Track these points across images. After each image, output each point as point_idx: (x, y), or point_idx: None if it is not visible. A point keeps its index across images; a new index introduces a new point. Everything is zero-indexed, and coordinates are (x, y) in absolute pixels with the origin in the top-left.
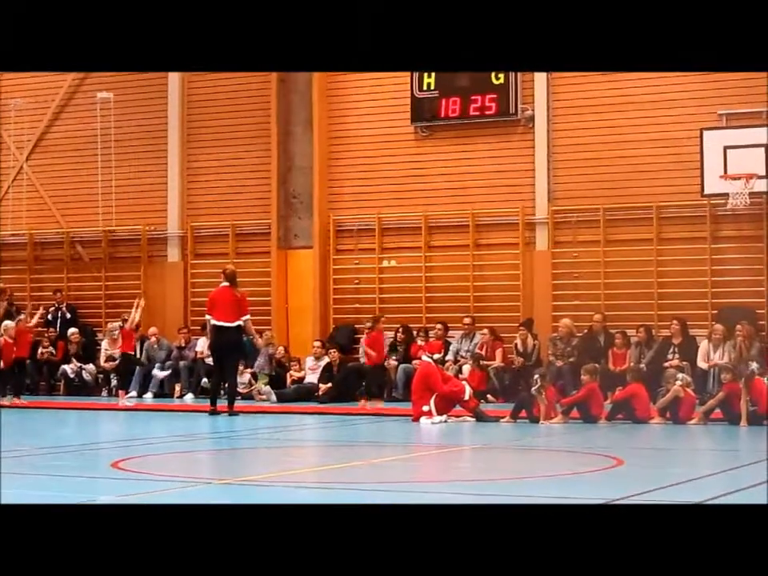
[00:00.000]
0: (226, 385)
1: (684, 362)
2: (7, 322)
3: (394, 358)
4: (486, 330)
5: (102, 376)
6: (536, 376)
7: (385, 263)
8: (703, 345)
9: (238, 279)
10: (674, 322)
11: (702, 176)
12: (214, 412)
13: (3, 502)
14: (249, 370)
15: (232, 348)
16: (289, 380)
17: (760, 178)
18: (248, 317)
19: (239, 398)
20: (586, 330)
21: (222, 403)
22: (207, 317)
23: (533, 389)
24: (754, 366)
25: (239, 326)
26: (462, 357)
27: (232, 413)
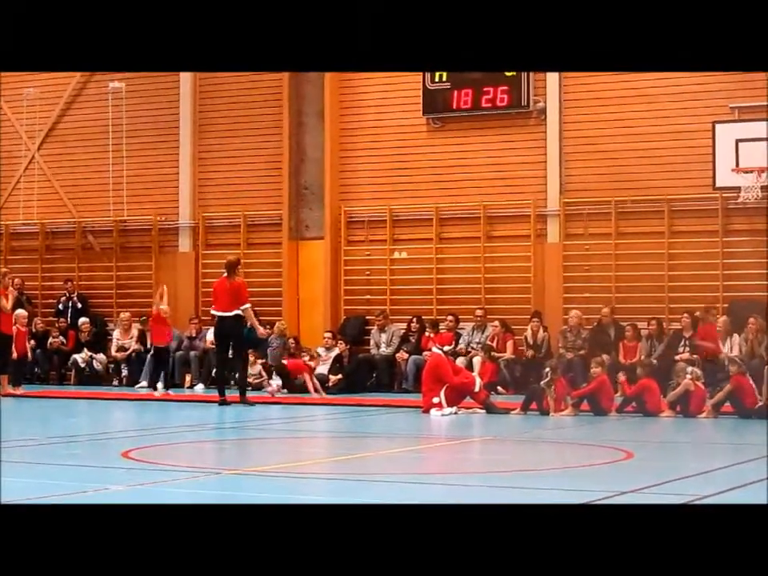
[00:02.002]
0: (236, 375)
1: (694, 356)
2: (20, 311)
3: (404, 349)
4: (497, 322)
5: (112, 366)
6: (546, 369)
7: (396, 255)
8: None
9: (239, 268)
10: (685, 315)
11: (713, 169)
12: (223, 402)
13: (12, 492)
14: (260, 361)
15: (233, 337)
16: None
17: None
18: (247, 305)
19: (249, 388)
20: (595, 323)
21: (232, 393)
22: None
23: (543, 382)
24: None
25: (238, 315)
26: (472, 348)
27: (245, 402)
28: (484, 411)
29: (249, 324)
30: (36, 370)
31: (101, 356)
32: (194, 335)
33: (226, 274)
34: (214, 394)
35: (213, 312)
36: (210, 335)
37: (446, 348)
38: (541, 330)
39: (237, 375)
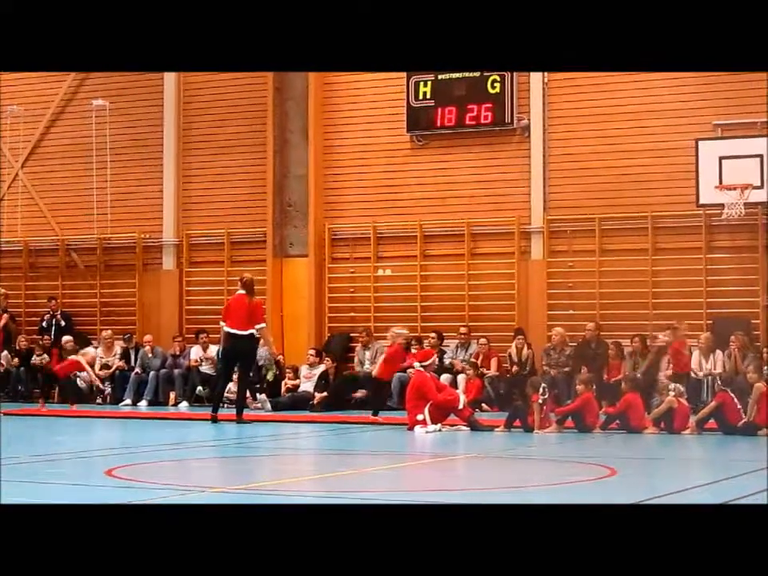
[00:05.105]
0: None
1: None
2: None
3: None
4: (483, 339)
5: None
6: (543, 385)
7: (380, 272)
8: (695, 354)
9: (255, 287)
10: (668, 333)
11: (697, 186)
12: (215, 420)
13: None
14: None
15: (245, 357)
16: (283, 388)
17: (755, 188)
18: (263, 325)
19: (227, 403)
20: (578, 341)
21: (224, 411)
22: (221, 324)
23: (541, 398)
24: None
25: (252, 334)
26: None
27: (240, 421)
28: (468, 428)
29: (265, 345)
30: (20, 387)
31: (84, 374)
32: (177, 353)
33: (243, 292)
34: (198, 411)
35: (225, 329)
36: (193, 353)
37: (426, 363)
38: (525, 348)
39: (237, 393)
